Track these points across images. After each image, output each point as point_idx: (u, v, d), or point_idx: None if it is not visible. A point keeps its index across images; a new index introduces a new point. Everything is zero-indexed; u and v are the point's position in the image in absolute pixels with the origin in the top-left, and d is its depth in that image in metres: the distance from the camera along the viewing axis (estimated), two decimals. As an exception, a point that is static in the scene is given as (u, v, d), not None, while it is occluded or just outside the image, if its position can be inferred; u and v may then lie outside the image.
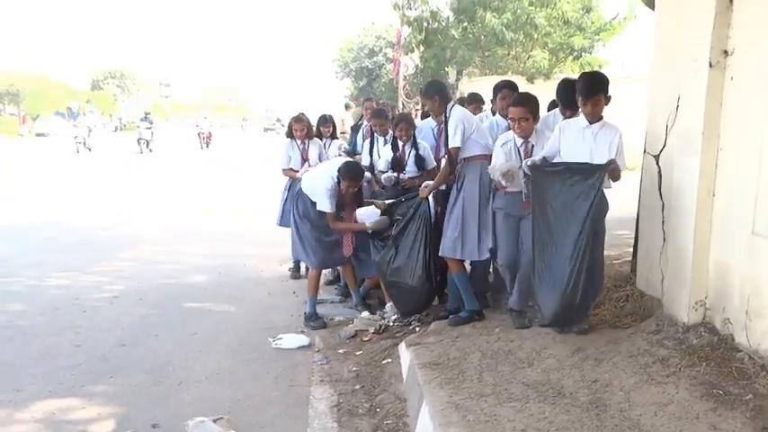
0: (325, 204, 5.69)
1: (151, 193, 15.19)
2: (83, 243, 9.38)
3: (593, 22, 18.73)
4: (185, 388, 4.55)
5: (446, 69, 21.08)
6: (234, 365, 4.98)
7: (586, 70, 13.65)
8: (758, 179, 3.85)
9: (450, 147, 5.12)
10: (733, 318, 4.05)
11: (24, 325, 5.81)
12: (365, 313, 5.85)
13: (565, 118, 4.99)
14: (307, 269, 7.23)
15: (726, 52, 4.13)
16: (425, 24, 19.24)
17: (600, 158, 4.31)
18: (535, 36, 18.64)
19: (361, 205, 5.89)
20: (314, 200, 5.80)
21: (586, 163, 4.35)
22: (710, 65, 4.16)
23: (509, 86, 5.84)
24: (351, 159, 5.89)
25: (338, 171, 5.63)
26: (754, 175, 3.88)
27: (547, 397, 3.69)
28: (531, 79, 17.97)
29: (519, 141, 4.80)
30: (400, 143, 6.08)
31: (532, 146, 4.77)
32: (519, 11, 17.91)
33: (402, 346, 4.91)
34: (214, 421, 3.85)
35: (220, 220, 11.60)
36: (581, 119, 4.52)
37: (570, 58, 18.98)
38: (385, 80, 37.07)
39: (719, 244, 4.24)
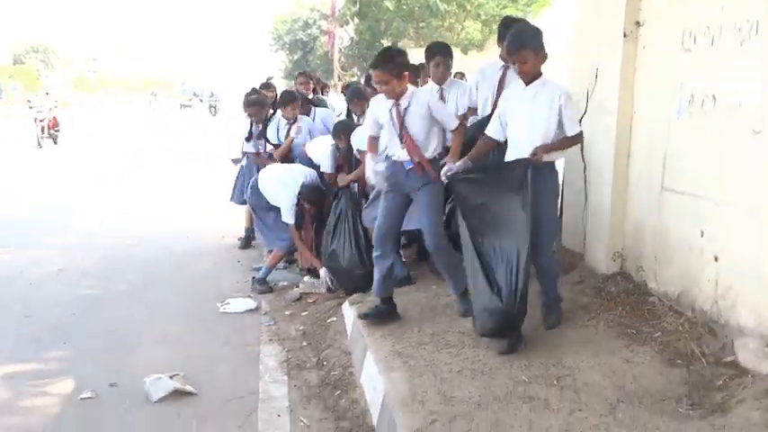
0: (288, 218, 5.95)
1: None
2: (19, 220, 9.33)
3: (524, -6, 19.22)
4: (138, 352, 4.76)
5: (381, 41, 21.33)
6: (184, 330, 5.20)
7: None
8: (668, 139, 4.27)
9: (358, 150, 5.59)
10: (645, 266, 4.50)
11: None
12: (308, 277, 6.13)
13: (507, 64, 4.99)
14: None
15: (638, 23, 4.54)
16: (361, -3, 19.46)
17: (540, 122, 3.91)
18: (468, 8, 19.08)
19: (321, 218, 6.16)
20: (273, 204, 6.07)
21: (506, 162, 4.07)
22: (624, 35, 4.56)
23: (442, 53, 5.54)
24: (308, 182, 6.06)
25: (299, 195, 5.91)
26: (664, 135, 4.29)
27: (480, 343, 4.03)
28: (464, 50, 18.39)
29: (389, 103, 4.34)
30: (355, 117, 6.34)
31: (406, 108, 4.30)
32: (452, -18, 18.30)
33: (346, 305, 5.21)
34: (170, 377, 4.11)
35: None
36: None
37: (503, 29, 19.43)
38: (320, 53, 37.01)
39: (634, 200, 4.67)
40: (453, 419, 3.17)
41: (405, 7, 19.51)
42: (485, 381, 3.56)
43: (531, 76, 3.97)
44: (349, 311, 5.03)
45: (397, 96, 4.28)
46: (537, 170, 3.84)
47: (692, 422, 3.06)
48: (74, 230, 8.79)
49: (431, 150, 4.35)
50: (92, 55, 68.86)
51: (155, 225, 9.22)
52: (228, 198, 7.78)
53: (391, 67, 4.21)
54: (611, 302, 4.42)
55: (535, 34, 4.03)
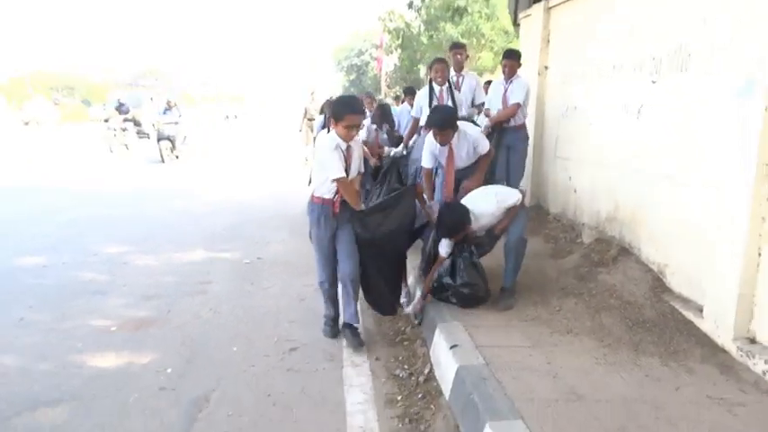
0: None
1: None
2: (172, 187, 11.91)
3: (525, 32, 21.11)
4: (269, 246, 7.13)
5: (417, 67, 23.60)
6: (292, 240, 7.54)
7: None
8: (558, 128, 6.51)
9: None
10: (547, 200, 6.75)
11: (161, 217, 8.53)
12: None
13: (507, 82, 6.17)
14: None
15: (546, 67, 6.78)
16: (402, 33, 21.71)
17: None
18: (482, 42, 21.08)
19: None
20: None
21: None
22: (539, 73, 6.80)
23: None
24: None
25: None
26: (557, 126, 6.53)
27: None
28: (479, 74, 20.43)
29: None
30: (436, 86, 6.09)
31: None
32: (471, 23, 20.37)
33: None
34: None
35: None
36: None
37: (509, 58, 21.46)
38: (371, 75, 39.17)
39: (543, 162, 6.92)
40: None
41: (435, 41, 21.61)
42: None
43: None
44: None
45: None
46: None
47: (548, 261, 5.35)
48: (213, 194, 11.28)
49: None
50: (197, 76, 70.93)
51: (278, 189, 11.68)
52: None
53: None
54: (530, 223, 6.64)
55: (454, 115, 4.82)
